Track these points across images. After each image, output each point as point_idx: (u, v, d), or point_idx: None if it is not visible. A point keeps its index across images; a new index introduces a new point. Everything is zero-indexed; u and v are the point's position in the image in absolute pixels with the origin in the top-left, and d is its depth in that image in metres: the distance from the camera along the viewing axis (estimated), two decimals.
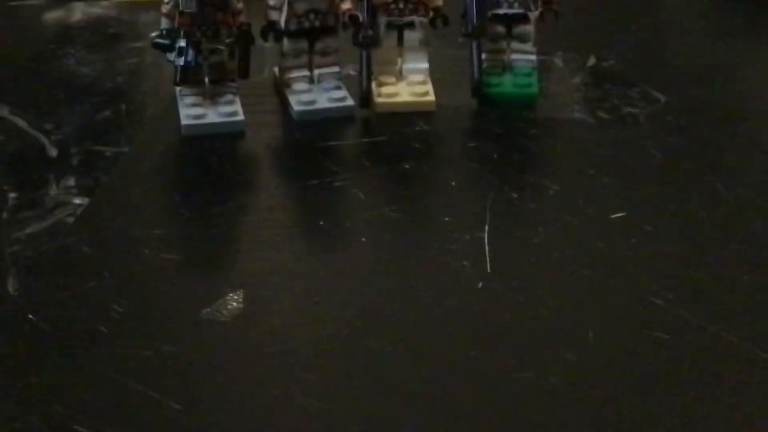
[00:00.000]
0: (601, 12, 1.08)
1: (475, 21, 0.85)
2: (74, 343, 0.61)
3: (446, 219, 0.73)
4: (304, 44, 0.86)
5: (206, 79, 0.84)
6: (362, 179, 0.77)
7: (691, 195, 0.74)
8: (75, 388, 0.57)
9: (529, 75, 0.88)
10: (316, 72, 0.87)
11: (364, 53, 0.85)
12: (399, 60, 0.88)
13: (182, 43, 0.81)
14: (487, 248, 0.68)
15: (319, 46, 0.86)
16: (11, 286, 0.65)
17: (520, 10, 0.87)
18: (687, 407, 0.56)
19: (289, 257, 0.69)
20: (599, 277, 0.66)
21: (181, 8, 0.80)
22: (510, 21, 0.87)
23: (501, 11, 0.87)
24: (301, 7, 0.85)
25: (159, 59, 0.88)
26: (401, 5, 0.87)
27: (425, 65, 0.88)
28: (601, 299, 0.64)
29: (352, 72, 0.89)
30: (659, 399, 0.56)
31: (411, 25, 0.87)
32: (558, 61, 0.95)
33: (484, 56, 0.87)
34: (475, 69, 0.86)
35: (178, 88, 0.84)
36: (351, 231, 0.72)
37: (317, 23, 0.85)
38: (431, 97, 0.87)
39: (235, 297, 0.64)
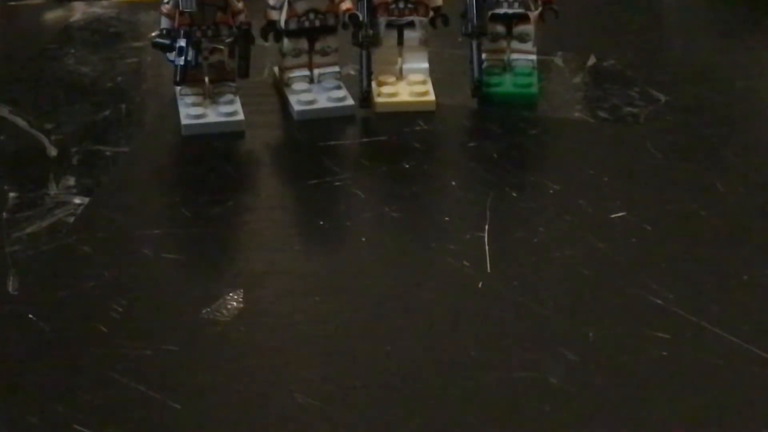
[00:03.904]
0: (601, 12, 1.08)
1: (475, 21, 0.85)
2: (74, 343, 0.61)
3: (446, 219, 0.73)
4: (304, 44, 0.86)
5: (206, 79, 0.84)
6: (362, 179, 0.77)
7: (691, 195, 0.74)
8: (75, 388, 0.57)
9: (529, 75, 0.88)
10: (316, 72, 0.87)
11: (364, 53, 0.85)
12: (399, 60, 0.88)
13: (182, 42, 0.81)
14: (487, 248, 0.68)
15: (319, 45, 0.86)
16: (11, 286, 0.65)
17: (520, 10, 0.87)
18: (687, 407, 0.56)
19: (289, 257, 0.69)
20: (599, 277, 0.66)
21: (181, 8, 0.80)
22: (510, 21, 0.87)
23: (501, 11, 0.87)
24: (301, 7, 0.85)
25: (159, 59, 0.88)
26: (401, 5, 0.87)
27: (425, 65, 0.88)
28: (601, 299, 0.64)
29: (352, 72, 0.89)
30: (659, 399, 0.56)
31: (411, 24, 0.87)
32: (558, 61, 0.95)
33: (484, 56, 0.87)
34: (475, 69, 0.86)
35: (178, 88, 0.84)
36: (351, 231, 0.72)
37: (317, 23, 0.85)
38: (431, 97, 0.87)
39: (235, 297, 0.64)
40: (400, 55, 0.88)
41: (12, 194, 0.75)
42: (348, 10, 0.84)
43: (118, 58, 0.96)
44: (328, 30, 0.86)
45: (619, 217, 0.72)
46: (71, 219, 0.72)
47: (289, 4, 0.85)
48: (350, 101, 0.86)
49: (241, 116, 0.83)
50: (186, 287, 0.66)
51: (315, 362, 0.59)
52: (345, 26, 0.85)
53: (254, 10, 0.85)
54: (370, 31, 0.85)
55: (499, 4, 0.87)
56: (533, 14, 0.87)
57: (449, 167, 0.80)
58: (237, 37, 0.83)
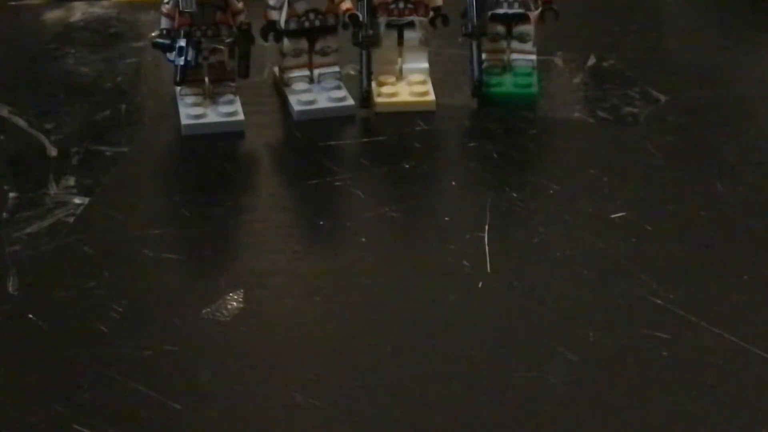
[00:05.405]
0: (601, 12, 1.08)
1: (475, 21, 0.85)
2: (74, 343, 0.61)
3: (446, 219, 0.73)
4: (304, 44, 0.86)
5: (206, 79, 0.84)
6: (362, 179, 0.77)
7: (691, 195, 0.74)
8: (75, 388, 0.57)
9: (529, 75, 0.88)
10: (316, 72, 0.87)
11: (364, 53, 0.85)
12: (399, 60, 0.88)
13: (182, 43, 0.81)
14: (487, 248, 0.68)
15: (319, 45, 0.86)
16: (11, 286, 0.65)
17: (520, 10, 0.87)
18: (687, 407, 0.56)
19: (289, 257, 0.69)
20: (599, 277, 0.66)
21: (181, 8, 0.80)
22: (510, 21, 0.87)
23: (501, 11, 0.87)
24: (301, 7, 0.85)
25: (159, 59, 0.88)
26: (401, 5, 0.87)
27: (425, 65, 0.88)
28: (601, 299, 0.64)
29: (352, 72, 0.89)
30: (659, 399, 0.56)
31: (411, 24, 0.87)
32: (558, 61, 0.95)
33: (484, 56, 0.87)
34: (475, 69, 0.86)
35: (178, 88, 0.84)
36: (351, 231, 0.72)
37: (317, 23, 0.85)
38: (431, 97, 0.87)
39: (235, 297, 0.64)
40: (400, 55, 0.88)
41: (12, 194, 0.75)
42: (348, 10, 0.84)
43: (118, 58, 0.96)
44: (328, 30, 0.86)
45: (619, 217, 0.72)
46: (71, 219, 0.72)
47: (289, 4, 0.85)
48: (350, 101, 0.86)
49: (241, 116, 0.83)
50: (186, 287, 0.66)
51: (315, 362, 0.59)
52: (345, 26, 0.85)
53: (254, 10, 0.85)
54: (370, 31, 0.85)
55: (499, 4, 0.87)
56: (533, 14, 0.87)
57: (449, 167, 0.80)
58: (237, 37, 0.83)
